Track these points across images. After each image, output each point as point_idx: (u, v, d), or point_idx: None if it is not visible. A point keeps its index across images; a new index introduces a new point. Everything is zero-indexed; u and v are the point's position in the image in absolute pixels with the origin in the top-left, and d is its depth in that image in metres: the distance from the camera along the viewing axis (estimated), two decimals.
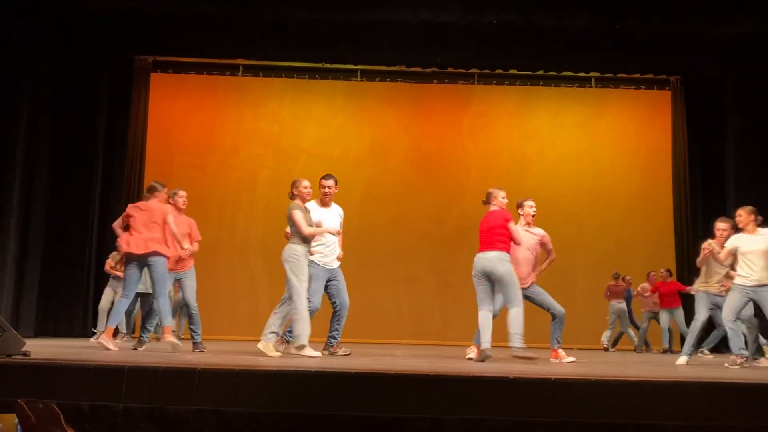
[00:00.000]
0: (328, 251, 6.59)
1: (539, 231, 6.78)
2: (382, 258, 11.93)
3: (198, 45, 10.66)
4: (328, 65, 11.72)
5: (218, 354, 6.07)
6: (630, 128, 12.58)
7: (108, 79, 11.04)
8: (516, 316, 6.08)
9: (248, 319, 11.64)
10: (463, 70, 11.92)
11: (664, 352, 10.24)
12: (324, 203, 6.70)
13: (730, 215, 10.77)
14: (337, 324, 6.78)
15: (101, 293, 9.45)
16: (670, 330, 10.44)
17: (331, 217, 6.62)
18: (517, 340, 6.04)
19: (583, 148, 12.47)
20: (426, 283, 11.92)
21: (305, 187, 6.18)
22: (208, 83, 12.31)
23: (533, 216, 6.78)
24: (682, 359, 6.70)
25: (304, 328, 5.83)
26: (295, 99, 12.46)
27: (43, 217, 10.00)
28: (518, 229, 6.45)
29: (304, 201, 6.22)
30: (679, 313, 10.30)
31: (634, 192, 12.19)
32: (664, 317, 10.40)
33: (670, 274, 10.60)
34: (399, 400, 3.95)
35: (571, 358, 6.47)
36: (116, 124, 11.21)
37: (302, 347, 5.81)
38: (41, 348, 6.19)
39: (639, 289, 10.85)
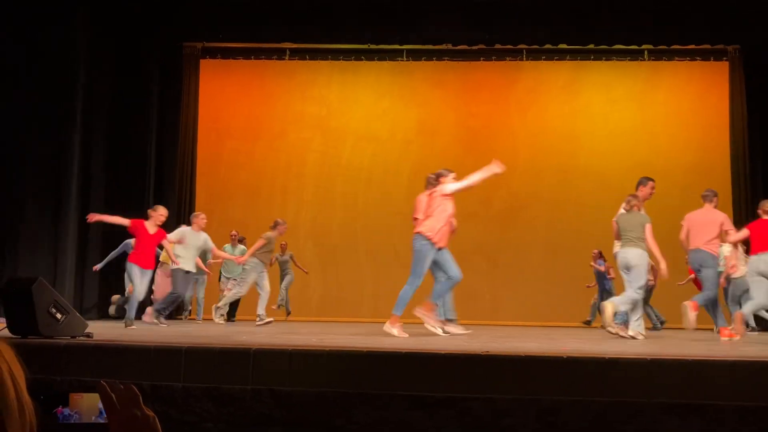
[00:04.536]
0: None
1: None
2: None
3: (245, 30, 10.75)
4: (373, 46, 11.67)
5: (272, 335, 6.19)
6: (685, 102, 12.18)
7: (159, 66, 11.22)
8: None
9: (299, 300, 11.81)
10: (511, 46, 11.72)
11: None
12: None
13: None
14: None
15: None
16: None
17: None
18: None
19: (636, 123, 12.14)
20: (474, 262, 11.81)
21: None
22: (256, 68, 12.42)
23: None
24: None
25: None
26: (342, 81, 12.47)
27: (102, 202, 10.31)
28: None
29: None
30: None
31: (690, 168, 11.80)
32: None
33: None
34: (451, 380, 3.96)
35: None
36: (168, 110, 11.40)
37: None
38: (103, 330, 6.42)
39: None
